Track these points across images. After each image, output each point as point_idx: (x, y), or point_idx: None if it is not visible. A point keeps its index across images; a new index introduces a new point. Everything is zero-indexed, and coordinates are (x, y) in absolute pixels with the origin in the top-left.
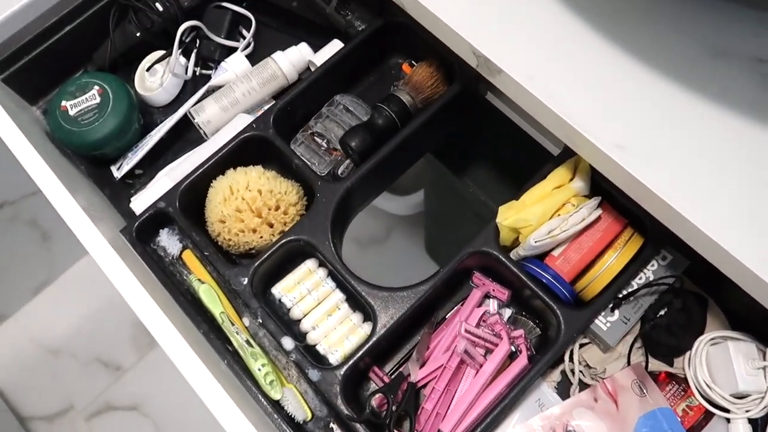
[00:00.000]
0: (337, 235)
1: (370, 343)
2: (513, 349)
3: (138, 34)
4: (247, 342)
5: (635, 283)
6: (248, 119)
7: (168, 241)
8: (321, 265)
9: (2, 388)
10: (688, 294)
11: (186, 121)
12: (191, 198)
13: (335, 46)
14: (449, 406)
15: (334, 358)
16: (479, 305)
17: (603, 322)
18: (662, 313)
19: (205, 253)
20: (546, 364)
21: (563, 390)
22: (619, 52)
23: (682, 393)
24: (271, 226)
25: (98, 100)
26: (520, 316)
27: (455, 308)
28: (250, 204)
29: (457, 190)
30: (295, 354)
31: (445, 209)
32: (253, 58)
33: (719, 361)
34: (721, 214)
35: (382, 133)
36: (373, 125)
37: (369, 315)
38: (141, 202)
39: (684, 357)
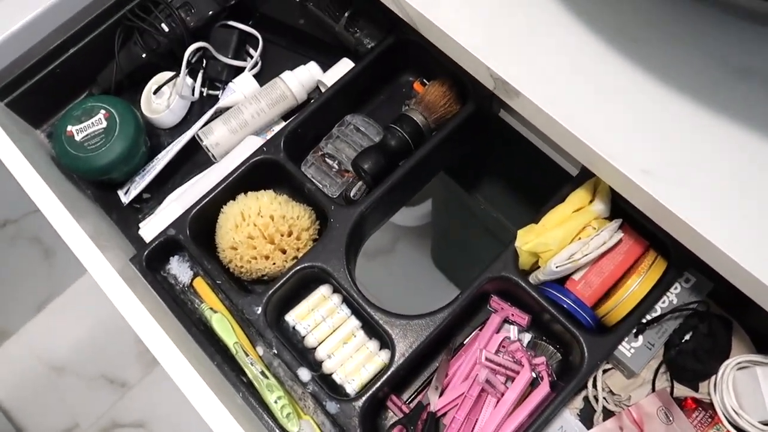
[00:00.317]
0: (352, 260)
1: (389, 373)
2: (534, 375)
3: (144, 56)
4: (262, 373)
5: (659, 307)
6: (257, 141)
7: (179, 268)
8: (335, 291)
9: (6, 406)
10: (714, 318)
11: (194, 143)
12: (201, 224)
13: (345, 65)
14: None
15: (350, 388)
16: (498, 330)
17: (627, 348)
18: (687, 337)
19: (217, 282)
20: (570, 393)
21: (586, 417)
22: (640, 73)
23: (710, 420)
24: (283, 252)
25: (104, 124)
26: (540, 341)
27: (473, 333)
28: (263, 230)
29: (468, 206)
30: (312, 385)
31: (455, 223)
32: (261, 77)
33: (747, 386)
34: (748, 238)
35: (395, 155)
36: (385, 147)
37: (385, 342)
38: (150, 228)
39: (709, 381)
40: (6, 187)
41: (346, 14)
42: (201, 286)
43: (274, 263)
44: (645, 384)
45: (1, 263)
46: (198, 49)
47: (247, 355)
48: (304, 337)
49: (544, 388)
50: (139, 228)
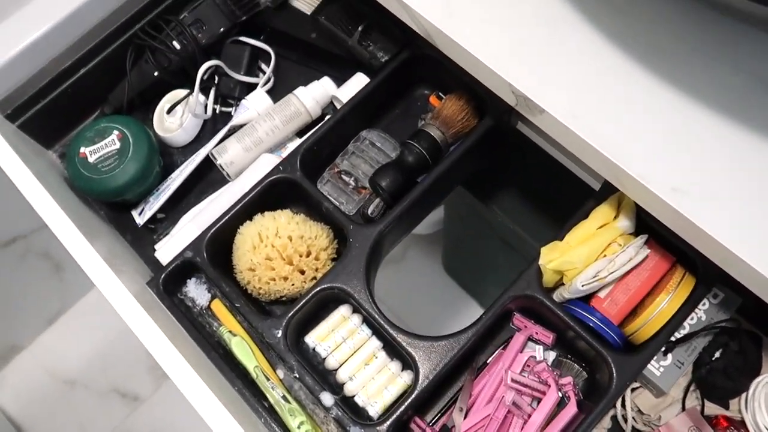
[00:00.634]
0: (371, 280)
1: (413, 396)
2: (560, 395)
3: (155, 74)
4: (284, 398)
5: (687, 324)
6: (272, 159)
7: (196, 291)
8: (355, 311)
9: (18, 421)
10: (744, 334)
11: (207, 162)
12: (218, 245)
13: (359, 79)
14: None
15: (373, 410)
16: (522, 349)
17: (656, 367)
18: (717, 355)
19: (236, 305)
20: (599, 415)
21: None
22: (668, 87)
23: None
24: (302, 272)
25: (118, 145)
26: (565, 359)
27: (497, 352)
28: (281, 251)
29: (485, 217)
30: (336, 410)
31: (469, 233)
32: (274, 93)
33: None
34: None
35: (413, 171)
36: (403, 163)
37: (407, 362)
38: (166, 251)
39: (740, 399)
40: (14, 203)
41: (360, 28)
42: (219, 308)
43: (293, 284)
44: (675, 403)
45: (11, 279)
46: (210, 66)
47: (268, 379)
48: (324, 358)
49: (571, 409)
50: (154, 249)
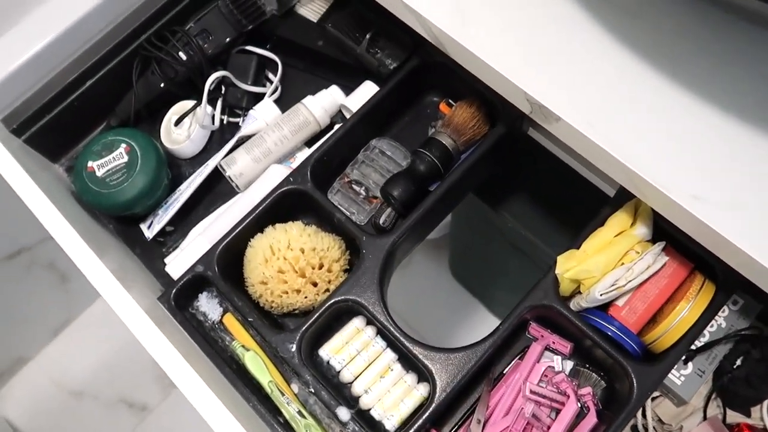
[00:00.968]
0: (385, 291)
1: (431, 410)
2: (579, 405)
3: (162, 85)
4: (299, 413)
5: (707, 332)
6: (282, 170)
7: (208, 305)
8: (369, 323)
9: None
10: (766, 341)
11: (215, 173)
12: (229, 258)
13: (368, 88)
14: None
15: (390, 424)
16: (539, 360)
17: (676, 376)
18: (739, 363)
19: (249, 319)
20: (620, 427)
21: None
22: (685, 93)
23: None
24: (315, 285)
25: (126, 158)
26: (582, 368)
27: (513, 362)
28: (293, 264)
29: (495, 223)
30: (352, 424)
31: (478, 238)
32: (281, 102)
33: None
34: None
35: (425, 180)
36: (414, 172)
37: (423, 375)
38: (177, 265)
39: (762, 406)
40: (19, 214)
41: (368, 36)
42: (231, 322)
43: (305, 297)
44: (696, 412)
45: (17, 291)
46: (217, 77)
47: (283, 394)
48: (339, 371)
49: (591, 420)
50: (164, 263)
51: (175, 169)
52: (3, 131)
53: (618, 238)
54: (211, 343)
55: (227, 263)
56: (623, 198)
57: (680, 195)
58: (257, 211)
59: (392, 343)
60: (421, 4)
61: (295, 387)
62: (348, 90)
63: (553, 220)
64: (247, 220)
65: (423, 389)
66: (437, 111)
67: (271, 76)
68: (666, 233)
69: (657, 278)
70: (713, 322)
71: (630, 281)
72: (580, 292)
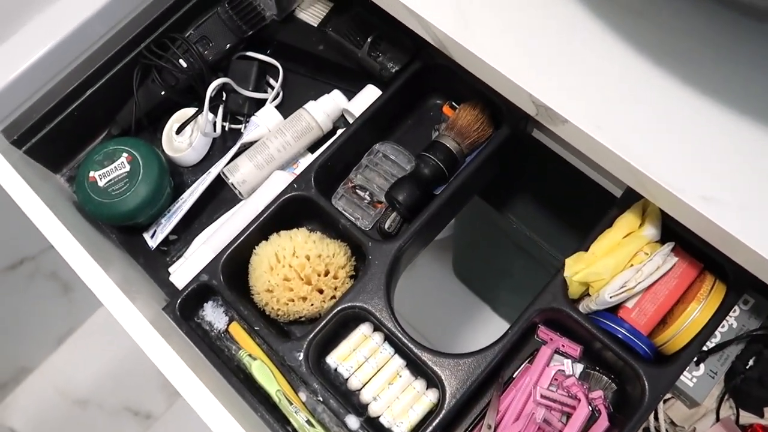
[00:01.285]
0: (392, 296)
1: (441, 416)
2: (591, 409)
3: (162, 93)
4: (308, 422)
5: (718, 332)
6: (285, 177)
7: (213, 314)
8: (376, 329)
9: None
10: None
11: (218, 180)
12: (234, 267)
13: (371, 92)
14: None
15: (399, 431)
16: (548, 363)
17: (688, 378)
18: (751, 363)
19: (255, 328)
20: (632, 430)
21: None
22: (693, 93)
23: None
24: (321, 292)
25: (128, 168)
26: (593, 371)
27: (522, 366)
28: (299, 271)
29: (499, 224)
30: None
31: (483, 240)
32: (283, 107)
33: None
34: None
35: (429, 184)
36: (419, 176)
37: (432, 380)
38: (181, 274)
39: None
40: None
41: (369, 39)
42: (237, 331)
43: (312, 304)
44: (708, 413)
45: (20, 301)
46: (218, 84)
47: (291, 404)
48: (347, 379)
49: (603, 423)
50: (168, 273)
51: (177, 177)
52: (3, 142)
53: (626, 240)
54: (217, 353)
55: (232, 272)
56: (630, 199)
57: (689, 195)
58: (261, 219)
59: (400, 350)
60: (424, 8)
61: (303, 395)
62: (350, 94)
63: (558, 221)
64: (252, 228)
65: (432, 395)
66: (440, 114)
67: (272, 81)
68: (675, 233)
69: (667, 279)
70: (724, 322)
71: (639, 283)
72: (588, 295)
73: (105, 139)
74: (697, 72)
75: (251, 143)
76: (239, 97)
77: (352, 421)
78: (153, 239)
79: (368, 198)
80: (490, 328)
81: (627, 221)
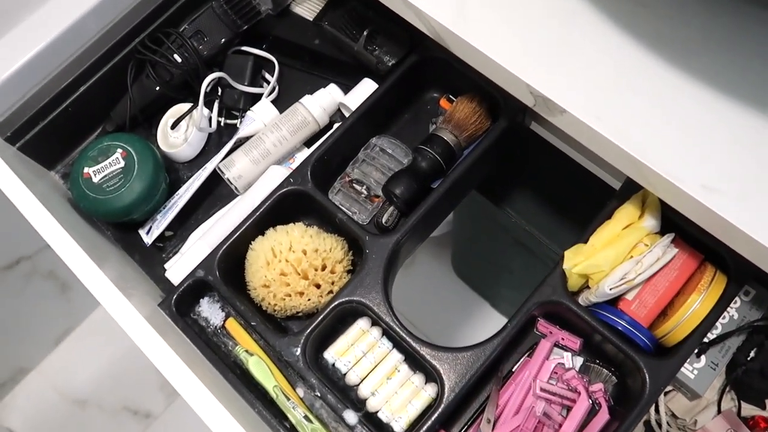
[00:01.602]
0: (390, 291)
1: (439, 411)
2: (591, 402)
3: (157, 88)
4: (306, 418)
5: (719, 324)
6: (281, 171)
7: (209, 310)
8: (374, 324)
9: None
10: None
11: (214, 176)
12: (230, 262)
13: (367, 85)
14: None
15: (398, 426)
16: (548, 357)
17: (689, 370)
18: (752, 354)
19: (252, 323)
20: (633, 423)
21: None
22: (692, 82)
23: None
24: (318, 287)
25: (122, 164)
26: (593, 364)
27: (522, 360)
28: (296, 266)
29: (497, 219)
30: (360, 428)
31: (481, 235)
32: (279, 102)
33: None
34: None
35: (427, 177)
36: (416, 170)
37: (431, 375)
38: (177, 270)
39: None
40: (16, 223)
41: (365, 33)
42: (234, 327)
43: (309, 299)
44: (710, 405)
45: (17, 300)
46: (213, 78)
47: (288, 399)
48: (345, 374)
49: (603, 416)
50: (164, 269)
51: (173, 173)
52: None
53: (626, 231)
54: (213, 349)
55: (228, 267)
56: (630, 190)
57: (690, 185)
58: (257, 214)
59: (398, 344)
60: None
61: (300, 391)
62: (346, 88)
63: (557, 215)
64: (248, 223)
65: (431, 390)
66: (438, 107)
67: (268, 76)
68: (675, 225)
69: (667, 271)
70: (725, 313)
71: (639, 274)
72: (588, 287)
73: (100, 136)
74: (696, 61)
75: (247, 138)
76: (235, 92)
77: (350, 416)
78: (148, 235)
79: (365, 192)
80: (489, 325)
81: (626, 212)
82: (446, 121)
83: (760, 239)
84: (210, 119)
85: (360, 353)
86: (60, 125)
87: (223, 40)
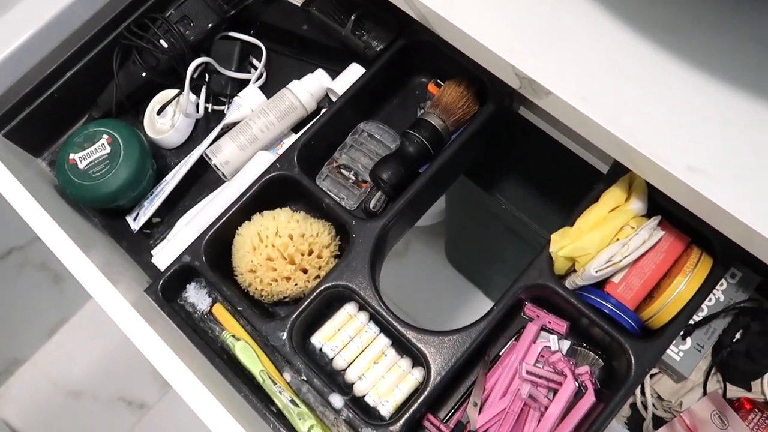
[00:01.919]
0: (377, 276)
1: (425, 394)
2: (578, 385)
3: (144, 74)
4: (292, 401)
5: (705, 306)
6: (268, 157)
7: (196, 296)
8: (361, 308)
9: None
10: (766, 314)
11: (201, 162)
12: (217, 248)
13: (355, 70)
14: None
15: (385, 410)
16: (535, 340)
17: (675, 352)
18: (738, 336)
19: (238, 308)
20: (618, 404)
21: (634, 425)
22: (677, 63)
23: (767, 421)
24: (305, 271)
25: (108, 150)
26: (580, 348)
27: (509, 344)
28: (282, 251)
29: (487, 205)
30: (346, 411)
31: (472, 222)
32: (267, 88)
33: None
34: None
35: (414, 162)
36: (404, 154)
37: (418, 359)
38: (164, 256)
39: (762, 380)
40: (7, 214)
41: (353, 17)
42: (220, 312)
43: (296, 284)
44: (695, 387)
45: (10, 292)
46: (200, 64)
47: (275, 383)
48: (332, 359)
49: (589, 399)
50: (151, 255)
51: (160, 159)
52: None
53: (612, 214)
54: (200, 335)
55: (215, 253)
56: (617, 174)
57: (675, 166)
58: (244, 199)
59: (385, 329)
60: None
61: (287, 376)
62: (335, 74)
63: (547, 201)
64: (234, 208)
65: (418, 374)
66: (426, 92)
67: (255, 62)
68: (662, 208)
69: (653, 253)
70: (711, 296)
71: (626, 257)
72: (575, 270)
73: (86, 122)
74: (683, 43)
75: (234, 124)
76: (222, 78)
77: (336, 399)
78: (135, 222)
79: (353, 178)
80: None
81: (613, 195)
82: (434, 105)
83: (745, 220)
84: (197, 105)
85: (347, 338)
86: (46, 112)
87: (209, 25)
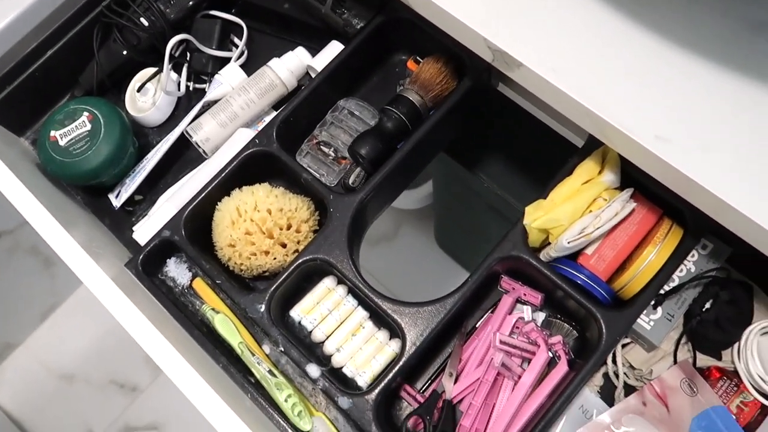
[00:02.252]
0: (355, 250)
1: (401, 363)
2: (551, 355)
3: (124, 53)
4: (270, 372)
5: (676, 276)
6: (249, 134)
7: (176, 270)
8: (340, 282)
9: (19, 418)
10: (735, 284)
11: (183, 140)
12: (197, 223)
13: (335, 48)
14: (488, 421)
15: (362, 380)
16: (510, 312)
17: (646, 321)
18: (708, 306)
19: (217, 282)
20: (589, 372)
21: (607, 394)
22: (647, 34)
23: (735, 388)
24: (284, 246)
25: (89, 127)
26: (555, 319)
27: (485, 316)
28: (260, 225)
29: (470, 184)
30: (323, 381)
31: (457, 203)
32: (248, 67)
33: None
34: None
35: (393, 137)
36: (382, 130)
37: (395, 331)
38: (144, 231)
39: (732, 349)
40: None
41: None
42: (201, 286)
43: (274, 258)
44: (666, 356)
45: (0, 276)
46: (181, 42)
47: (254, 355)
48: (310, 331)
49: (562, 368)
50: (133, 231)
51: (142, 138)
52: None
53: (585, 186)
54: (181, 308)
55: (195, 228)
56: (592, 147)
57: (643, 136)
58: (223, 175)
59: (363, 302)
60: None
61: (266, 348)
62: (315, 52)
63: (528, 178)
64: (214, 184)
65: (395, 345)
66: (405, 69)
67: (236, 40)
68: (635, 181)
69: (626, 225)
70: (682, 266)
71: (598, 228)
72: (549, 243)
73: (69, 101)
74: (652, 15)
75: (215, 102)
76: (203, 56)
77: (313, 369)
78: (117, 199)
79: (333, 154)
80: None
81: (586, 168)
82: (412, 81)
83: (711, 189)
84: (179, 83)
85: (326, 311)
86: (28, 91)
87: (190, 2)
